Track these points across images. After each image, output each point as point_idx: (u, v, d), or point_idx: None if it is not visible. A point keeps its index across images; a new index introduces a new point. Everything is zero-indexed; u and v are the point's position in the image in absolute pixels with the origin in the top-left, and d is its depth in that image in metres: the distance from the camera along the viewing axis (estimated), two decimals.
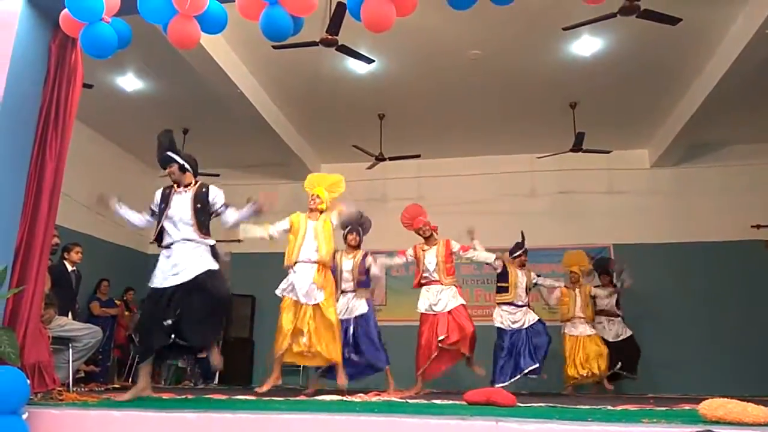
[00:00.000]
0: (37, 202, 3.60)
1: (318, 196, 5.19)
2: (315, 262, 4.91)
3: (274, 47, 5.61)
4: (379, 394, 4.60)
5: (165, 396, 4.22)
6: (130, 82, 7.45)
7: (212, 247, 3.96)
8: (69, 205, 7.46)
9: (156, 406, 3.20)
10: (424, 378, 5.81)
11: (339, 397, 4.13)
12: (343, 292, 5.62)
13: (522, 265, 6.88)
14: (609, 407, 3.74)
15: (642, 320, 7.81)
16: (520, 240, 6.96)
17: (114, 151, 9.40)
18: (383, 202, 9.67)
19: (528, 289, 6.84)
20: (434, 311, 5.78)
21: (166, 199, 4.03)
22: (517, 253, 6.85)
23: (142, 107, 8.06)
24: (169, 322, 3.69)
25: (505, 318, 6.61)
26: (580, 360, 7.05)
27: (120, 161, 9.57)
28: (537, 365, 6.39)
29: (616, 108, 7.98)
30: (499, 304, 6.74)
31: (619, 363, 7.18)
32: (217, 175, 9.11)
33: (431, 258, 5.95)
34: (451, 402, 3.83)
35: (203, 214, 3.94)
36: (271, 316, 9.13)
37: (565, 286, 7.35)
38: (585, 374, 7.05)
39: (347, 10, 3.49)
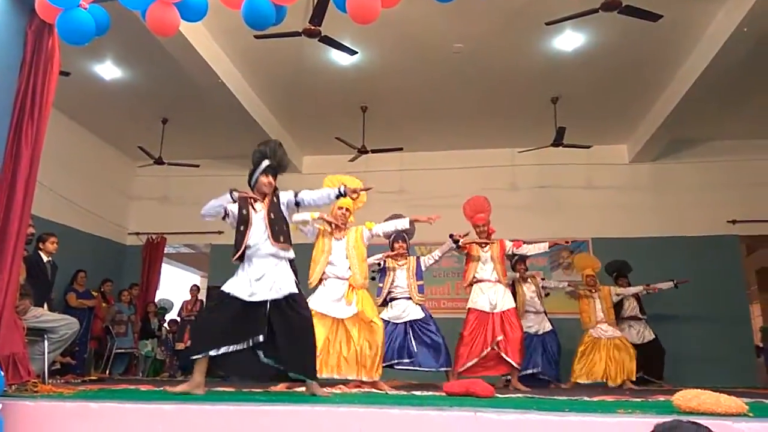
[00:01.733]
0: (11, 191, 3.52)
1: (347, 210, 4.74)
2: (346, 280, 4.61)
3: (256, 37, 5.55)
4: (359, 386, 4.59)
5: (143, 388, 4.18)
6: (108, 70, 7.32)
7: (291, 261, 3.67)
8: (45, 195, 7.36)
9: (133, 397, 3.17)
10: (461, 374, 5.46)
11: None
12: (394, 299, 5.55)
13: (524, 278, 6.90)
14: (586, 398, 3.80)
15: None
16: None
17: (91, 140, 9.25)
18: (365, 195, 9.64)
19: (540, 296, 6.88)
20: (492, 311, 5.59)
21: (247, 210, 3.65)
22: (513, 263, 6.81)
23: (121, 96, 7.94)
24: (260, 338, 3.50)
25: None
26: (596, 362, 6.80)
27: (97, 151, 9.42)
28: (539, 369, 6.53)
29: (596, 103, 8.05)
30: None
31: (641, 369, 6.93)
32: (197, 166, 9.04)
33: (487, 258, 5.72)
34: (430, 393, 3.85)
35: (279, 223, 3.61)
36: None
37: (580, 292, 7.14)
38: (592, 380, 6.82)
39: (331, 1, 3.46)
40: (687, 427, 1.23)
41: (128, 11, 3.54)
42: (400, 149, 8.35)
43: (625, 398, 3.84)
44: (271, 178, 3.69)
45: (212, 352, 3.47)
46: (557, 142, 7.88)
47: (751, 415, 2.51)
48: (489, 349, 5.48)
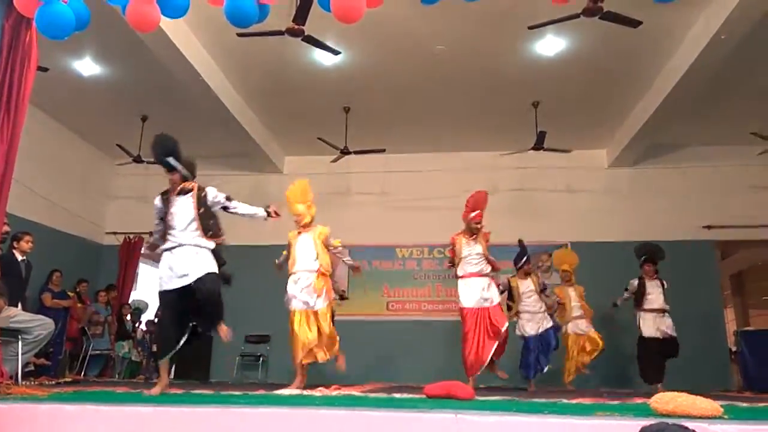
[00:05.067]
0: None
1: (299, 215, 5.24)
2: (314, 271, 5.05)
3: (239, 35, 5.50)
4: (339, 388, 4.58)
5: (119, 390, 4.11)
6: (87, 66, 7.20)
7: (213, 251, 4.07)
8: (21, 192, 7.19)
9: (109, 399, 3.11)
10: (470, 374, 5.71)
11: (299, 392, 4.10)
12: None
13: (527, 274, 6.86)
14: (565, 401, 3.83)
15: (597, 317, 7.95)
16: (519, 248, 6.92)
17: (69, 137, 9.09)
18: (347, 196, 9.65)
19: (541, 292, 6.88)
20: (485, 306, 5.74)
21: (167, 204, 4.11)
22: (521, 263, 6.81)
23: (100, 93, 7.82)
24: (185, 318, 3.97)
25: (525, 326, 6.71)
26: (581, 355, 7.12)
27: (75, 148, 9.27)
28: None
29: (576, 108, 8.13)
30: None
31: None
32: None
33: (473, 251, 5.85)
34: (410, 396, 3.85)
35: (207, 218, 4.06)
36: (229, 309, 9.07)
37: (557, 292, 7.28)
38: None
39: (315, 0, 3.45)
40: (674, 429, 1.23)
41: (108, 6, 3.48)
42: (383, 151, 8.35)
43: (602, 401, 3.87)
44: (169, 175, 4.11)
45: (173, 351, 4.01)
46: (538, 146, 7.95)
47: (726, 417, 2.54)
48: (497, 343, 5.60)
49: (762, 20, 5.55)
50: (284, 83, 7.56)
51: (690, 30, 6.28)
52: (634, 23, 5.32)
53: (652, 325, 6.72)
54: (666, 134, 8.42)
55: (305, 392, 3.99)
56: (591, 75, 7.27)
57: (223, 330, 4.01)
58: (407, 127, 8.72)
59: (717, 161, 9.12)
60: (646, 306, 6.80)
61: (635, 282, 6.99)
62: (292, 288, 5.05)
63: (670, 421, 2.53)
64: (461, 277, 5.90)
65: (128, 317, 9.09)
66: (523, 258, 6.79)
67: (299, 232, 5.22)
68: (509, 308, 6.70)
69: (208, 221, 4.04)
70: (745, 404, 3.59)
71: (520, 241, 6.93)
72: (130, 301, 9.44)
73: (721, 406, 2.65)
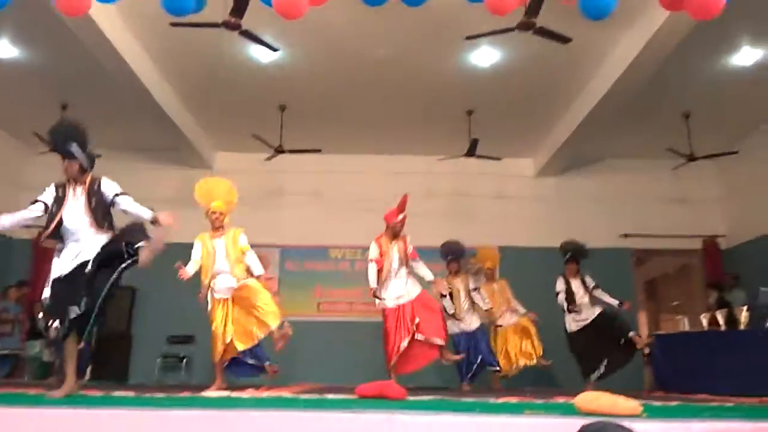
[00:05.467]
0: None
1: (221, 213, 5.02)
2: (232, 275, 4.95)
3: (172, 24, 5.29)
4: (268, 389, 4.50)
5: (31, 392, 3.87)
6: (4, 48, 6.73)
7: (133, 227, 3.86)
8: None
9: (22, 402, 2.92)
10: (396, 372, 5.70)
11: (226, 393, 3.99)
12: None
13: (454, 273, 7.23)
14: (491, 400, 3.93)
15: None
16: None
17: None
18: (279, 196, 9.51)
19: (468, 295, 7.15)
20: (401, 303, 5.78)
21: (60, 199, 3.83)
22: (447, 261, 7.27)
23: (17, 77, 7.32)
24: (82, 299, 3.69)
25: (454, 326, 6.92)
26: (514, 351, 7.27)
27: None
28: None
29: (507, 118, 8.37)
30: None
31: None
32: (98, 156, 8.46)
33: (396, 254, 5.90)
34: (342, 396, 3.84)
35: (99, 211, 3.82)
36: (151, 309, 8.73)
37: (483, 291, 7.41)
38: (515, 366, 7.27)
39: None
40: (613, 428, 1.28)
41: None
42: (318, 151, 8.29)
43: (528, 399, 4.00)
44: (67, 163, 3.87)
45: None
46: (470, 153, 8.14)
47: (645, 415, 2.69)
48: (409, 337, 5.60)
49: (681, 44, 5.92)
50: (219, 77, 7.36)
51: (615, 49, 6.61)
52: (564, 40, 5.54)
53: (572, 321, 6.91)
54: (589, 146, 8.82)
55: (233, 394, 3.89)
56: (522, 87, 7.51)
57: (145, 254, 3.70)
58: (344, 128, 8.69)
59: (635, 174, 9.65)
60: (572, 307, 6.87)
61: (561, 281, 7.07)
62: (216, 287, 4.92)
63: (592, 419, 2.65)
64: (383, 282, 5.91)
65: (40, 315, 8.56)
66: (446, 257, 7.28)
67: (213, 236, 5.03)
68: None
69: (101, 215, 3.82)
70: (658, 403, 3.80)
71: (445, 243, 7.33)
72: (42, 299, 8.88)
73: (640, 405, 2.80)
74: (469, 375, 6.92)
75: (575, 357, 6.88)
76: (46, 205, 3.83)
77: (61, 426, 2.48)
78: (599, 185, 9.71)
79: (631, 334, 6.58)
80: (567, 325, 6.94)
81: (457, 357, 6.35)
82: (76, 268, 3.71)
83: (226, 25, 5.23)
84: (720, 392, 5.34)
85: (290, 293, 8.79)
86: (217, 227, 5.00)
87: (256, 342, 4.92)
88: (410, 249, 5.98)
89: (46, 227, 3.81)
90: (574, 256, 7.20)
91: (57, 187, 3.91)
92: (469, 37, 5.68)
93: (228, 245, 4.93)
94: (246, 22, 5.32)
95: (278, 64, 6.91)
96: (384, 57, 6.77)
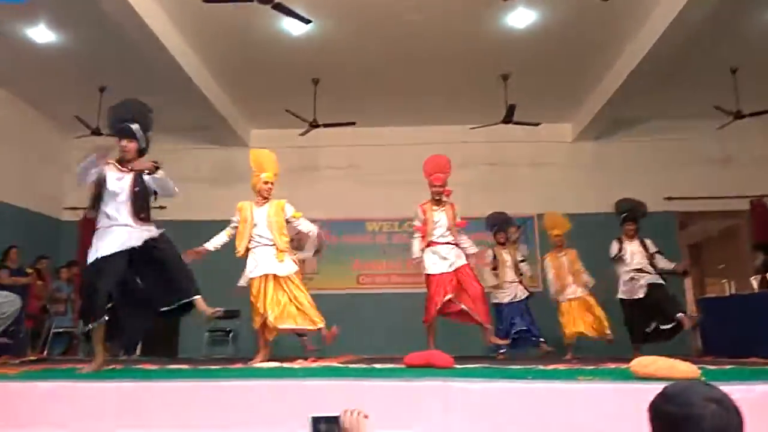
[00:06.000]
0: None
1: (272, 183, 4.99)
2: (273, 245, 4.84)
3: (205, 0, 5.31)
4: (315, 360, 4.57)
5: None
6: (41, 33, 6.83)
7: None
8: None
9: (82, 377, 3.02)
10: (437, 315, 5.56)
11: (277, 364, 4.07)
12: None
13: (501, 244, 7.08)
14: (541, 367, 3.91)
15: None
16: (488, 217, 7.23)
17: (22, 108, 8.69)
18: (315, 170, 9.54)
19: (516, 267, 7.00)
20: (444, 271, 5.57)
21: (113, 176, 3.70)
22: (492, 231, 7.14)
23: (55, 62, 7.44)
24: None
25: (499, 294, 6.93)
26: (575, 322, 6.81)
27: (29, 120, 8.87)
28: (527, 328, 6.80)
29: (544, 82, 8.17)
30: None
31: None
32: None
33: (440, 220, 5.65)
34: (390, 366, 3.86)
35: (140, 198, 3.70)
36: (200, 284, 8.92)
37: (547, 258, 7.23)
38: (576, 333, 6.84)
39: None
40: (699, 386, 1.25)
41: None
42: (353, 124, 8.24)
43: (577, 366, 3.97)
44: (125, 143, 3.75)
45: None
46: (507, 119, 7.98)
47: (703, 379, 2.63)
48: (452, 295, 5.46)
49: None
50: (251, 53, 7.35)
51: (657, 4, 6.35)
52: None
53: (623, 286, 6.47)
54: (629, 108, 8.56)
55: (285, 365, 3.96)
56: (559, 48, 7.30)
57: (202, 306, 3.73)
58: (378, 99, 8.61)
59: (678, 135, 9.34)
60: (624, 267, 6.44)
61: (616, 245, 6.59)
62: (250, 263, 4.85)
63: (648, 385, 2.61)
64: (427, 246, 5.71)
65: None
66: (492, 228, 7.13)
67: (257, 204, 4.98)
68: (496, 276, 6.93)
69: (142, 202, 3.70)
70: (713, 367, 3.73)
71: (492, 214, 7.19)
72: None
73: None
74: (507, 345, 6.73)
75: (626, 325, 6.51)
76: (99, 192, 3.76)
77: (127, 399, 2.57)
78: (640, 148, 9.45)
79: (678, 315, 6.12)
80: (620, 293, 6.50)
81: (503, 341, 6.25)
82: (116, 254, 3.60)
83: None
84: None
85: (329, 267, 8.86)
86: (265, 197, 4.97)
87: (300, 330, 4.94)
88: (458, 218, 5.76)
89: (91, 205, 3.74)
90: (631, 215, 6.59)
91: (113, 166, 3.76)
92: None
93: (270, 214, 4.87)
94: None
95: (310, 37, 6.85)
96: (417, 23, 6.64)
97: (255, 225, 4.85)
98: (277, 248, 4.81)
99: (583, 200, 9.14)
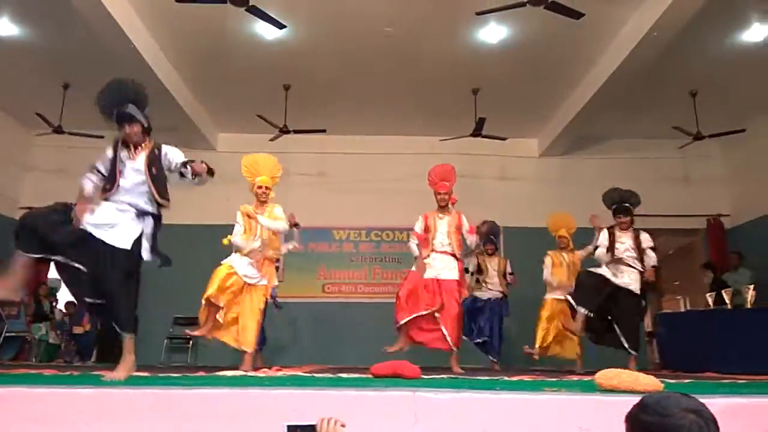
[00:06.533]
0: None
1: (267, 188, 5.05)
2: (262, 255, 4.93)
3: (177, 0, 5.22)
4: (280, 369, 4.51)
5: (46, 372, 3.86)
6: (4, 26, 6.62)
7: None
8: None
9: (37, 382, 2.90)
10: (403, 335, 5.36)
11: (242, 373, 3.99)
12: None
13: (490, 254, 7.29)
14: (506, 378, 3.93)
15: (529, 302, 8.20)
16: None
17: None
18: (283, 177, 9.32)
19: (501, 278, 7.20)
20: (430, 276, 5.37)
21: (117, 158, 3.54)
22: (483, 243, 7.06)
23: (18, 56, 7.21)
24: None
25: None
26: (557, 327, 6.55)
27: None
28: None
29: (513, 97, 8.30)
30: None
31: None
32: (101, 137, 8.38)
33: (442, 228, 5.52)
34: (357, 375, 3.83)
35: (159, 180, 3.56)
36: (157, 290, 8.72)
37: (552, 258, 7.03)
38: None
39: None
40: (677, 398, 1.26)
41: None
42: (323, 131, 8.21)
43: (542, 378, 4.01)
44: (127, 128, 3.56)
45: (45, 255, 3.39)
46: (477, 132, 8.07)
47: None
48: (426, 312, 5.24)
49: (690, 22, 5.87)
50: (222, 56, 7.26)
51: (624, 26, 6.53)
52: (576, 15, 5.48)
53: (609, 270, 5.70)
54: (594, 126, 8.77)
55: (249, 373, 3.89)
56: (529, 65, 7.44)
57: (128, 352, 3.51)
58: (349, 108, 8.61)
59: (640, 153, 9.60)
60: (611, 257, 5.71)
61: (605, 235, 5.95)
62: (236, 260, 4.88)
63: (613, 397, 2.65)
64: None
65: (45, 298, 8.57)
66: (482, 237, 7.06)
67: (257, 207, 5.04)
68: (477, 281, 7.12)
69: (160, 184, 3.55)
70: (672, 380, 3.81)
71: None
72: (47, 281, 8.88)
73: None
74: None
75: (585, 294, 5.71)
76: (99, 172, 3.60)
77: (80, 405, 2.47)
78: (603, 165, 9.66)
79: (632, 354, 5.56)
80: (602, 269, 5.73)
81: (462, 372, 6.06)
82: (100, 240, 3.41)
83: (233, 0, 5.15)
84: (727, 371, 5.37)
85: (294, 275, 8.75)
86: (262, 201, 5.02)
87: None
88: (466, 226, 5.60)
89: (103, 190, 3.53)
90: (620, 208, 6.01)
91: (116, 148, 3.59)
92: (479, 13, 5.61)
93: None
94: None
95: (283, 42, 6.82)
96: (390, 34, 6.68)
97: (256, 229, 4.97)
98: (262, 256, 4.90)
99: (548, 214, 9.27)
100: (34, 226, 3.36)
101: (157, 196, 3.52)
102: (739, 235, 9.22)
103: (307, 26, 6.61)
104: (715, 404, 2.41)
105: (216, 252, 5.26)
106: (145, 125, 3.59)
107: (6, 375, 3.62)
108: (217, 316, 4.72)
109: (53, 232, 3.31)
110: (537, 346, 6.71)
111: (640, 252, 5.75)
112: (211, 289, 4.67)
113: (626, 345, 5.57)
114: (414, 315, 5.21)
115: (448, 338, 5.20)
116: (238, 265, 4.84)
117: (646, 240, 5.90)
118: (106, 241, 3.37)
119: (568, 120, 8.47)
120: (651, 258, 5.83)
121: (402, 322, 5.24)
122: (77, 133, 8.05)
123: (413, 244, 5.67)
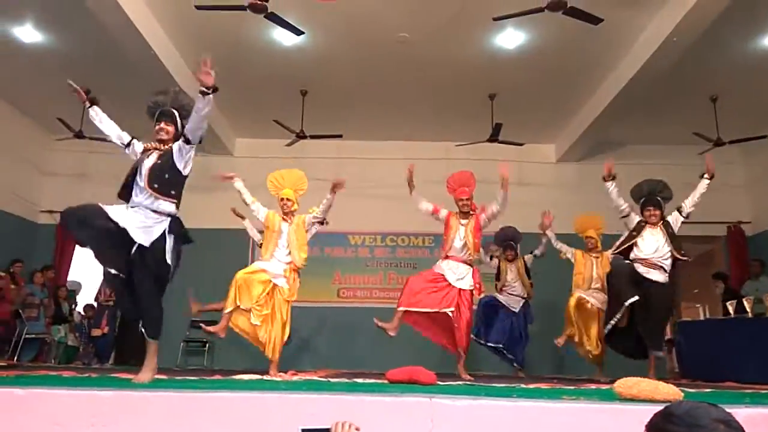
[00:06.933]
0: None
1: (289, 200, 5.21)
2: (287, 264, 5.05)
3: (197, 7, 5.29)
4: (296, 374, 4.51)
5: (65, 374, 3.90)
6: (28, 33, 6.75)
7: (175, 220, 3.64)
8: None
9: (58, 383, 2.94)
10: (404, 320, 5.43)
11: (259, 377, 4.01)
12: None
13: (509, 260, 7.28)
14: (523, 386, 3.90)
15: (551, 308, 8.13)
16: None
17: (4, 109, 8.54)
18: None
19: (522, 281, 7.19)
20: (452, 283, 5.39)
21: (140, 157, 3.66)
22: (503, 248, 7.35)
23: (40, 62, 7.34)
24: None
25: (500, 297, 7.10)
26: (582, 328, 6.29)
27: (9, 120, 8.71)
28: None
29: (530, 102, 8.27)
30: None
31: None
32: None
33: (462, 233, 5.52)
34: (372, 381, 3.83)
35: (169, 173, 3.59)
36: (174, 293, 8.79)
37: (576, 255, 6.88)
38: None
39: None
40: (706, 408, 1.24)
41: None
42: (340, 136, 8.23)
43: (560, 386, 3.97)
44: (163, 125, 3.68)
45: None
46: (493, 138, 8.05)
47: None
48: (431, 311, 5.31)
49: (711, 26, 5.81)
50: (240, 62, 7.32)
51: (643, 31, 6.48)
52: (595, 20, 5.44)
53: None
54: (612, 132, 8.70)
55: (265, 377, 3.90)
56: (545, 70, 7.41)
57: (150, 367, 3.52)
58: (365, 113, 8.64)
59: (658, 159, 9.45)
60: (633, 255, 5.43)
61: (635, 218, 5.71)
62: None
63: (632, 406, 2.62)
64: (443, 258, 5.61)
65: (65, 300, 8.68)
66: (503, 243, 7.39)
67: (284, 219, 5.18)
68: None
69: (170, 179, 3.57)
70: (692, 390, 3.75)
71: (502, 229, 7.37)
72: (66, 283, 8.99)
73: None
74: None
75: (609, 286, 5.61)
76: (131, 144, 3.73)
77: (103, 407, 2.49)
78: (621, 171, 9.30)
79: (654, 352, 5.39)
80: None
81: (471, 379, 6.03)
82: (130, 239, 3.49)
83: (252, 7, 5.20)
84: (746, 380, 5.27)
85: (310, 279, 8.75)
86: (286, 212, 5.18)
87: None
88: (482, 220, 5.67)
89: (124, 183, 3.63)
90: (650, 199, 5.61)
91: (144, 144, 3.73)
92: (496, 18, 5.59)
93: (291, 232, 5.09)
94: (270, 4, 5.28)
95: (300, 48, 6.86)
96: (406, 40, 6.69)
97: (280, 235, 5.11)
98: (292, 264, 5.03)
99: (566, 221, 9.20)
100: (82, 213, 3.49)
101: (161, 194, 3.55)
102: (761, 242, 9.08)
103: (324, 32, 6.65)
104: (739, 414, 2.38)
105: (234, 256, 5.32)
106: (179, 131, 3.67)
107: (26, 376, 3.67)
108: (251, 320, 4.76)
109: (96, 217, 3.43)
110: (566, 334, 6.47)
111: (674, 243, 5.31)
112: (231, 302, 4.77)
113: (648, 343, 5.22)
114: (417, 309, 5.34)
115: (457, 340, 5.30)
116: (263, 265, 4.98)
117: (675, 220, 5.64)
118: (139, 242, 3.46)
119: (586, 126, 8.41)
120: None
121: (401, 309, 5.35)
122: (97, 138, 8.14)
123: (424, 203, 5.83)
